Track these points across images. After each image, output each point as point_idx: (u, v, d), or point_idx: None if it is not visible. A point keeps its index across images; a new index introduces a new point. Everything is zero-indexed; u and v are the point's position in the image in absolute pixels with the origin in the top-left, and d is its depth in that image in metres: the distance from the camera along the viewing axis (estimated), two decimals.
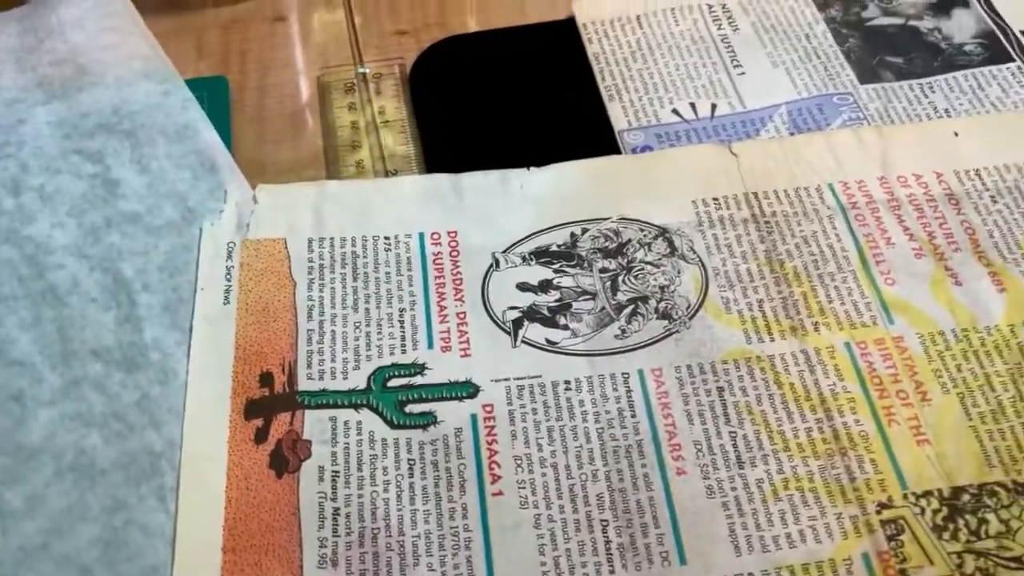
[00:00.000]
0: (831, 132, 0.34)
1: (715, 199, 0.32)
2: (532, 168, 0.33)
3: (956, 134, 0.33)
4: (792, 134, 0.34)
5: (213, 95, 0.36)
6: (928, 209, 0.31)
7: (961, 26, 0.37)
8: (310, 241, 0.31)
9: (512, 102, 0.36)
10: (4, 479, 0.25)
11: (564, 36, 0.38)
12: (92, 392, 0.27)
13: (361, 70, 0.37)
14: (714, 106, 0.35)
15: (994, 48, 0.36)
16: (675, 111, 0.35)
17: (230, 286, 0.30)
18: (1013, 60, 0.36)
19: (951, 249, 0.30)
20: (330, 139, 0.35)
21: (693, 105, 0.35)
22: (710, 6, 0.38)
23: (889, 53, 0.36)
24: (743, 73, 0.36)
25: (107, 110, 0.33)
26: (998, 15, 0.37)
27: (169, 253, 0.30)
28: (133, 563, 0.24)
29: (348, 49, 0.38)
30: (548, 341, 0.29)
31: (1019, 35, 0.37)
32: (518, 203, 0.32)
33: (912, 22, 0.38)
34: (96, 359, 0.28)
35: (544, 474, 0.26)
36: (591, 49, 0.37)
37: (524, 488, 0.26)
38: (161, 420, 0.27)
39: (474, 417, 0.27)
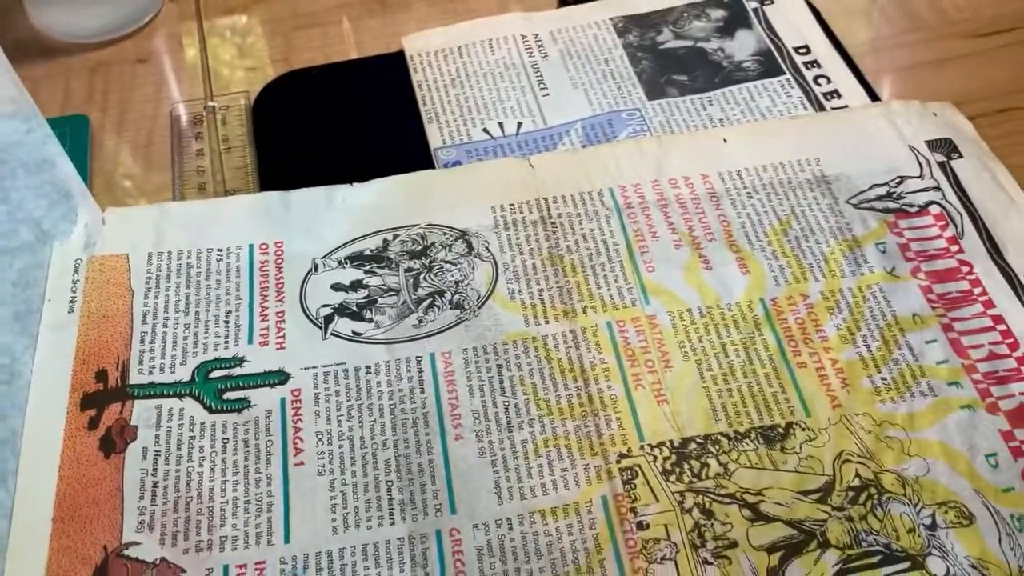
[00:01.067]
0: (618, 143, 0.38)
1: (511, 204, 0.36)
2: (355, 184, 0.37)
3: (725, 140, 0.38)
4: (584, 146, 0.39)
5: (74, 131, 0.40)
6: (691, 206, 0.36)
7: (742, 45, 0.42)
8: (150, 255, 0.35)
9: (343, 127, 0.40)
10: None
11: (393, 68, 0.42)
12: None
13: (210, 103, 0.41)
14: (519, 124, 0.40)
15: (769, 63, 0.42)
16: (485, 130, 0.40)
17: (75, 297, 0.33)
18: (784, 73, 0.41)
19: (707, 239, 0.35)
20: (178, 166, 0.39)
21: (501, 124, 0.40)
22: (524, 36, 0.43)
23: (676, 72, 0.41)
24: (547, 94, 0.41)
25: None
26: (775, 34, 0.43)
27: (23, 270, 0.34)
28: None
29: (201, 85, 0.42)
30: (354, 333, 0.33)
31: (791, 51, 0.42)
32: (340, 215, 0.36)
33: (700, 44, 0.43)
34: None
35: (341, 445, 0.30)
36: (415, 78, 0.42)
37: (323, 458, 0.30)
38: (5, 413, 0.30)
39: (283, 400, 0.31)
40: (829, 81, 0.41)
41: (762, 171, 0.37)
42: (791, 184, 0.36)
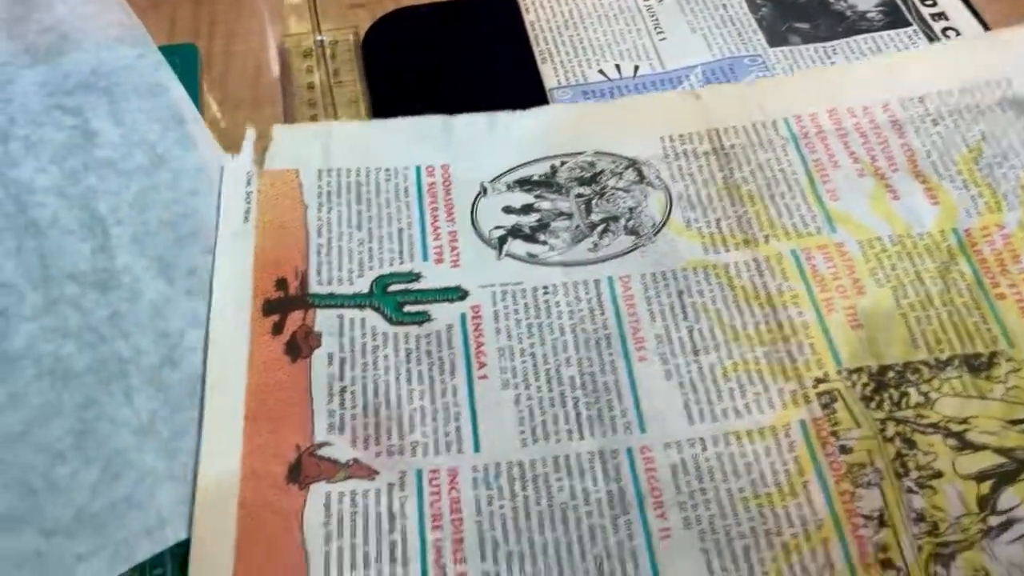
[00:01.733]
0: (784, 76, 0.37)
1: (680, 135, 0.35)
2: (517, 111, 0.36)
3: (904, 66, 0.36)
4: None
5: (184, 61, 0.39)
6: (872, 136, 0.35)
7: None
8: (319, 172, 0.35)
9: (454, 66, 0.39)
10: None
11: (504, 7, 0.41)
12: (68, 309, 0.30)
13: (319, 38, 0.41)
14: (636, 67, 0.39)
15: (894, 14, 0.40)
16: (601, 71, 0.38)
17: (249, 207, 0.34)
18: (910, 24, 0.39)
19: (890, 169, 0.34)
20: (289, 99, 0.39)
21: (618, 66, 0.39)
22: None
23: (798, 20, 0.40)
24: (664, 39, 0.39)
25: (86, 71, 0.37)
26: None
27: (139, 193, 0.34)
28: (101, 448, 0.28)
29: (308, 20, 0.41)
30: (529, 254, 0.33)
31: (917, 2, 0.40)
32: (503, 142, 0.36)
33: None
34: (73, 282, 0.31)
35: (524, 361, 0.30)
36: (528, 18, 0.41)
37: (506, 373, 0.30)
38: (129, 332, 0.30)
39: (463, 316, 0.31)
40: (958, 34, 0.39)
41: (946, 96, 0.35)
42: (980, 108, 0.35)
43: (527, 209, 0.34)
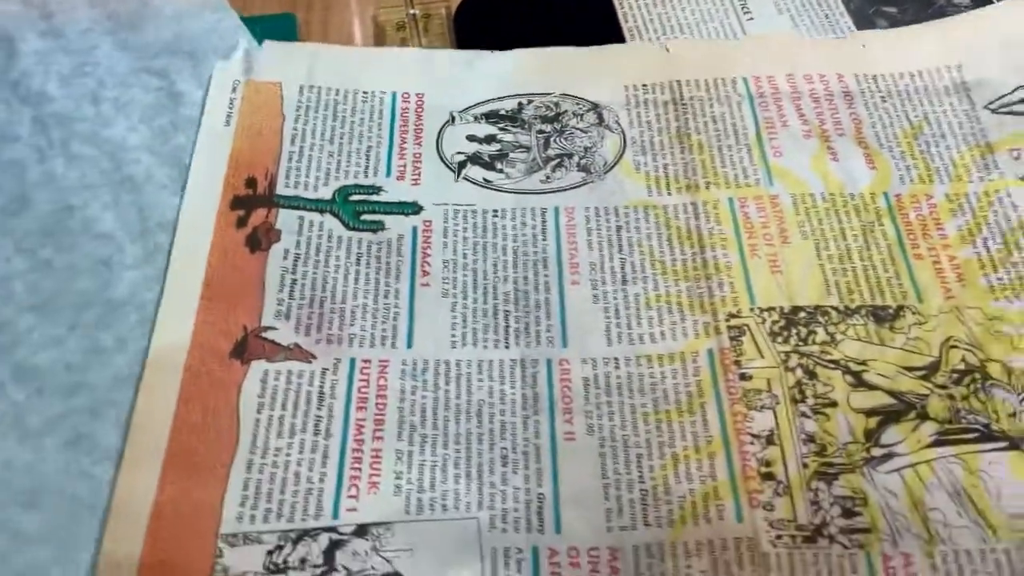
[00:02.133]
0: (754, 36, 0.39)
1: (644, 85, 0.37)
2: (496, 51, 0.38)
3: (864, 46, 0.38)
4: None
5: (283, 29, 0.40)
6: (824, 102, 0.36)
7: None
8: (301, 87, 0.37)
9: (542, 40, 0.39)
10: (99, 324, 0.31)
11: None
12: (162, 258, 0.32)
13: (411, 11, 0.42)
14: None
15: (983, 1, 0.39)
16: None
17: (231, 112, 0.36)
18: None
19: (836, 133, 0.35)
20: None
21: None
22: None
23: (885, 3, 0.40)
24: (751, 18, 0.40)
25: (169, 36, 0.38)
26: None
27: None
28: None
29: None
30: (485, 180, 0.35)
31: None
32: (479, 77, 0.38)
33: None
34: (163, 232, 0.33)
35: (465, 275, 0.32)
36: None
37: (447, 283, 0.32)
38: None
39: (415, 228, 0.33)
40: None
41: (899, 78, 0.37)
42: (928, 91, 0.36)
43: (489, 139, 0.36)
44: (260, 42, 0.38)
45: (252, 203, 0.34)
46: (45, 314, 0.31)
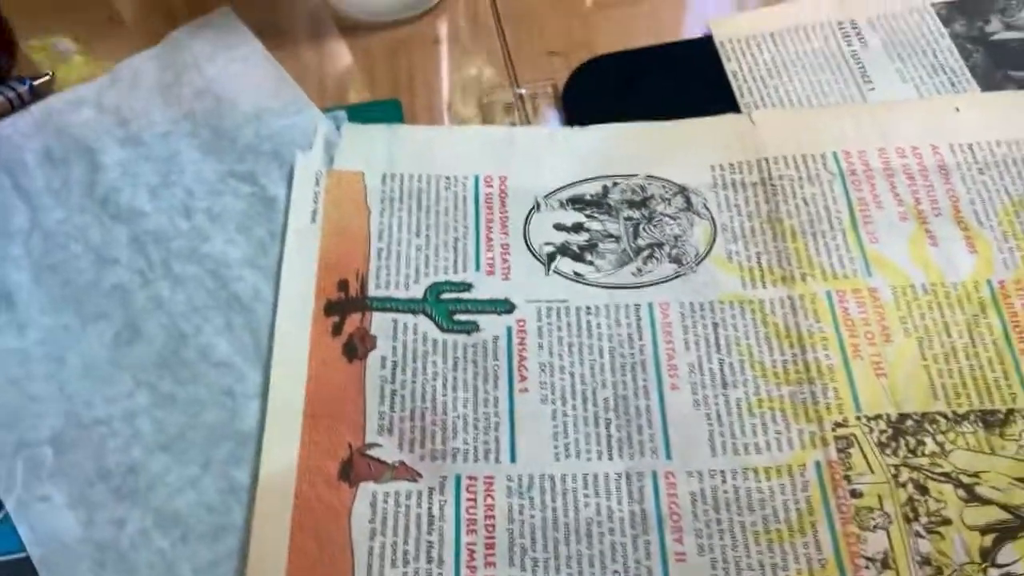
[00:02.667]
0: (843, 105, 0.38)
1: (731, 164, 0.37)
2: (576, 127, 0.38)
3: (957, 109, 0.37)
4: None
5: (388, 116, 0.39)
6: (919, 178, 0.35)
7: None
8: (383, 176, 0.37)
9: (656, 114, 0.38)
10: (231, 460, 0.31)
11: (702, 53, 0.40)
12: None
13: (519, 90, 0.40)
14: None
15: None
16: None
17: (316, 208, 0.36)
18: None
19: (933, 214, 0.35)
20: None
21: None
22: (840, 23, 0.40)
23: (1012, 67, 0.38)
24: (873, 88, 0.38)
25: (250, 134, 0.37)
26: None
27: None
28: None
29: (502, 69, 0.41)
30: (576, 273, 0.34)
31: None
32: (561, 156, 0.37)
33: None
34: None
35: (563, 379, 0.32)
36: (729, 67, 0.40)
37: (546, 388, 0.32)
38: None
39: (509, 329, 0.33)
40: None
41: (995, 146, 0.36)
42: None
43: (577, 228, 0.35)
44: None
45: (346, 307, 0.34)
46: (176, 453, 0.31)
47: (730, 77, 0.40)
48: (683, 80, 0.40)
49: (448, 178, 0.37)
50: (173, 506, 0.30)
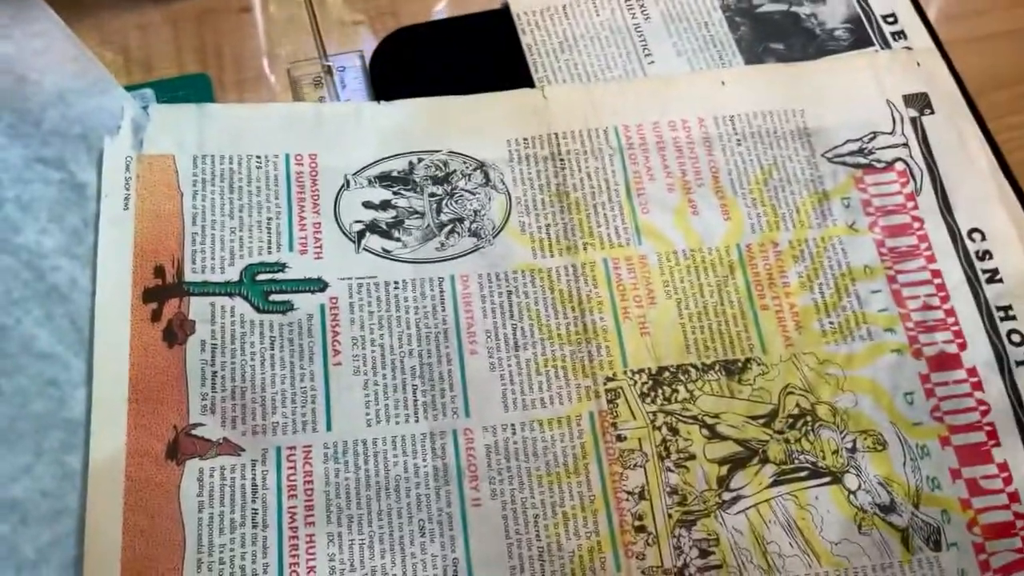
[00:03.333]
0: (624, 80, 0.42)
1: (525, 139, 0.40)
2: (382, 102, 0.40)
3: (723, 83, 0.42)
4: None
5: (198, 91, 0.40)
6: (687, 150, 0.40)
7: (833, 12, 0.43)
8: (194, 158, 0.38)
9: (458, 88, 0.40)
10: (64, 448, 0.32)
11: (502, 24, 0.43)
12: None
13: (326, 62, 0.41)
14: None
15: (859, 32, 0.43)
16: None
17: (128, 194, 0.37)
18: (873, 44, 0.43)
19: (696, 184, 0.39)
20: None
21: None
22: None
23: (773, 40, 0.43)
24: (652, 62, 0.42)
25: (55, 117, 0.36)
26: (864, 1, 0.44)
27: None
28: None
29: (310, 37, 0.42)
30: (384, 250, 0.37)
31: (880, 19, 0.43)
32: (368, 132, 0.40)
33: (794, 7, 0.43)
34: None
35: (374, 351, 0.36)
36: (524, 40, 0.42)
37: (358, 360, 0.35)
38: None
39: (323, 306, 0.36)
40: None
41: (752, 118, 0.41)
42: (777, 134, 0.41)
43: (384, 205, 0.38)
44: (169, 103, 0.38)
45: (163, 294, 0.35)
46: (8, 444, 0.32)
47: (525, 51, 0.42)
48: (485, 52, 0.43)
49: (259, 157, 0.39)
50: (10, 494, 0.31)
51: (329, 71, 0.42)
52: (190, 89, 0.40)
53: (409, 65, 0.42)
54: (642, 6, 0.44)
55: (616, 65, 0.42)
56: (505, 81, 0.41)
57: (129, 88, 0.39)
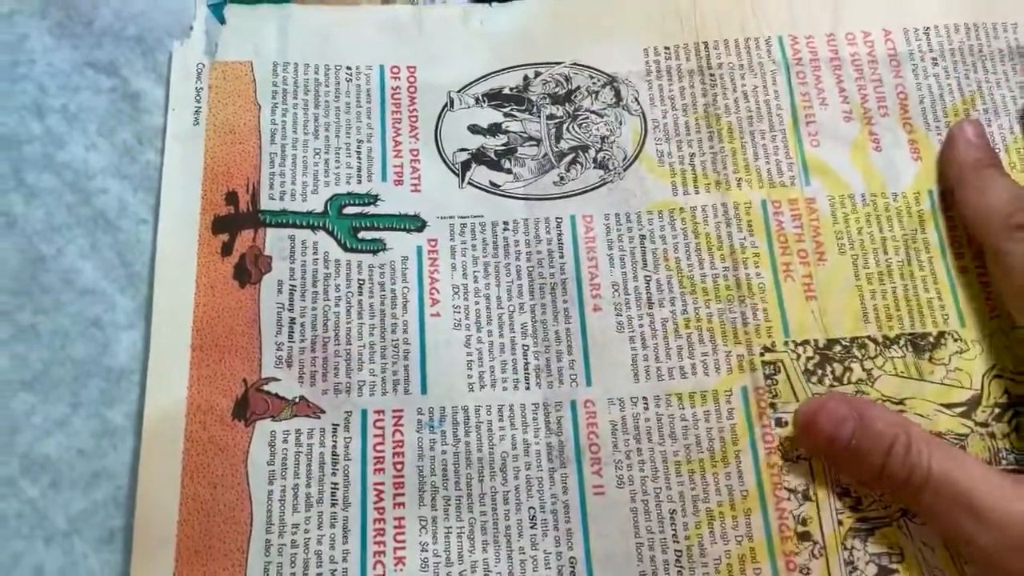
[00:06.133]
0: None
1: (666, 48, 0.33)
2: (494, 3, 0.33)
3: None
4: None
5: None
6: (868, 70, 0.32)
7: None
8: (275, 65, 0.32)
9: None
10: (103, 400, 0.28)
11: None
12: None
13: None
14: None
15: None
16: None
17: (200, 107, 0.31)
18: None
19: (880, 114, 0.32)
20: None
21: None
22: None
23: None
24: None
25: (108, 15, 0.32)
26: None
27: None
28: None
29: None
30: (492, 184, 0.31)
31: None
32: (476, 40, 0.33)
33: None
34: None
35: (477, 302, 0.30)
36: None
37: (459, 312, 0.30)
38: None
39: (419, 248, 0.30)
40: None
41: (952, 32, 0.33)
42: (982, 53, 0.32)
43: (494, 130, 0.32)
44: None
45: (236, 223, 0.30)
46: (40, 392, 0.28)
47: None
48: None
49: (349, 68, 0.33)
50: (41, 451, 0.27)
51: None
52: None
53: None
54: None
55: None
56: None
57: None
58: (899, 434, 0.25)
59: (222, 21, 0.33)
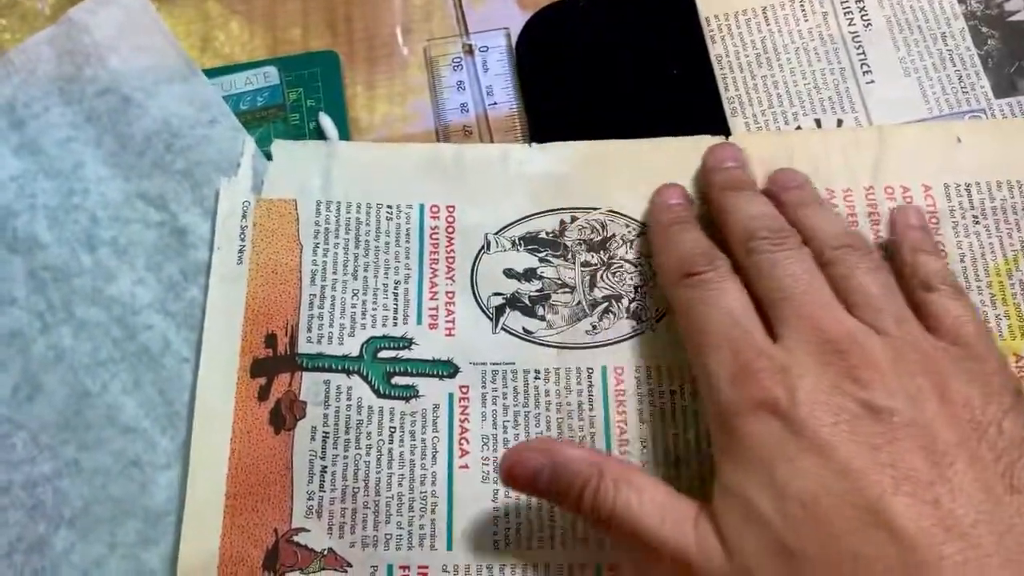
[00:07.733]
0: (830, 130, 0.34)
1: (700, 196, 0.33)
2: (533, 144, 0.34)
3: (959, 140, 0.33)
4: (799, 127, 0.34)
5: (325, 71, 0.36)
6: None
7: None
8: (318, 204, 0.33)
9: (621, 77, 0.35)
10: (139, 541, 0.29)
11: (678, 2, 0.36)
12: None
13: (467, 41, 0.36)
14: (840, 122, 0.34)
15: None
16: (799, 127, 0.34)
17: (243, 246, 0.32)
18: None
19: None
20: (439, 113, 0.35)
21: (818, 121, 0.34)
22: None
23: None
24: (872, 81, 0.35)
25: (160, 147, 0.33)
26: None
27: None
28: None
29: (451, 10, 0.37)
30: (525, 330, 0.32)
31: None
32: (515, 181, 0.34)
33: None
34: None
35: None
36: (714, 50, 0.35)
37: (487, 465, 0.30)
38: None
39: (451, 396, 0.31)
40: None
41: (995, 188, 0.33)
42: None
43: (529, 275, 0.32)
44: (292, 85, 0.34)
45: (274, 367, 0.31)
46: (80, 530, 0.28)
47: (714, 63, 0.35)
48: (654, 31, 0.36)
49: (390, 207, 0.33)
50: None
51: (470, 50, 0.36)
52: (317, 68, 0.36)
53: (563, 45, 0.36)
54: (862, 10, 0.36)
55: (826, 84, 0.35)
56: (679, 80, 0.34)
57: (250, 65, 0.35)
58: (591, 476, 0.25)
59: (269, 157, 0.34)
